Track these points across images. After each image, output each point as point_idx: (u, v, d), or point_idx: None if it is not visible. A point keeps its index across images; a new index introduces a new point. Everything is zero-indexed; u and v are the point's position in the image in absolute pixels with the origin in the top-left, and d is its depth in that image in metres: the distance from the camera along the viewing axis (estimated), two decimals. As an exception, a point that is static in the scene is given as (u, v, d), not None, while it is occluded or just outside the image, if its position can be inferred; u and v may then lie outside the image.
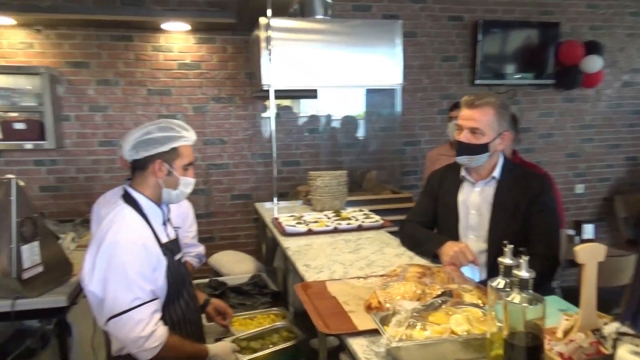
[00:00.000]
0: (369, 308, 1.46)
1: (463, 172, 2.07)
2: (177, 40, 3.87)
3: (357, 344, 1.30)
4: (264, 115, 4.08)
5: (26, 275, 2.10)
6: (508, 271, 1.10)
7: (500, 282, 1.13)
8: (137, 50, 3.81)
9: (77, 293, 2.39)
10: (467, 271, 1.91)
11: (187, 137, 1.72)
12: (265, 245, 3.36)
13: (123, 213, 1.65)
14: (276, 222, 2.64)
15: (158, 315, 1.62)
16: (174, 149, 1.69)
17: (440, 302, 1.31)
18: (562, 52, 4.47)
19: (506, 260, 1.12)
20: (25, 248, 2.10)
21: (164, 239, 1.72)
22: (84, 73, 3.73)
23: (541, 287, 1.84)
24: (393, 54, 3.48)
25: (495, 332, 1.10)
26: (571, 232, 4.04)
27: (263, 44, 3.21)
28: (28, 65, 3.58)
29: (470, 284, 1.62)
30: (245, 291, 2.61)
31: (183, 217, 2.52)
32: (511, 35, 4.44)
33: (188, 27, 3.76)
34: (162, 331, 1.60)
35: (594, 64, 4.42)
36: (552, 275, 1.91)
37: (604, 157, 4.87)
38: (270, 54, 3.14)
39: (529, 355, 1.02)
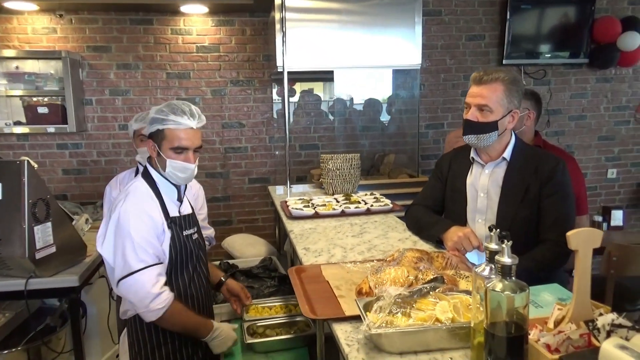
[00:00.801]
0: (359, 293, 1.42)
1: (473, 154, 1.97)
2: (196, 23, 3.86)
3: (341, 330, 1.27)
4: (280, 98, 4.04)
5: (39, 255, 2.16)
6: (494, 257, 1.03)
7: (485, 268, 1.06)
8: (156, 34, 3.83)
9: (91, 274, 2.45)
10: (473, 257, 1.84)
11: (176, 121, 1.71)
12: (278, 229, 3.35)
13: (135, 185, 1.77)
14: (284, 205, 2.61)
15: (163, 279, 1.70)
16: (160, 131, 1.72)
17: (428, 288, 1.25)
18: (597, 29, 4.21)
19: (492, 245, 1.05)
20: (37, 229, 2.15)
21: (174, 214, 1.79)
22: (104, 57, 3.78)
23: (552, 274, 1.77)
24: (412, 34, 3.37)
25: (479, 320, 1.03)
26: (598, 218, 3.83)
27: (278, 25, 3.16)
28: (50, 50, 3.66)
29: (471, 270, 1.55)
30: (254, 274, 2.60)
31: (194, 199, 2.53)
32: (543, 11, 4.21)
33: (206, 9, 3.74)
34: (167, 295, 1.68)
35: (632, 41, 4.14)
36: (563, 263, 1.80)
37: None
38: (284, 35, 3.09)
39: (510, 346, 0.96)
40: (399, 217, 2.41)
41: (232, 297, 2.15)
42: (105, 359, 2.83)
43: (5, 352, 2.42)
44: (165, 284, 1.71)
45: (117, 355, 2.54)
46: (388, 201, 2.59)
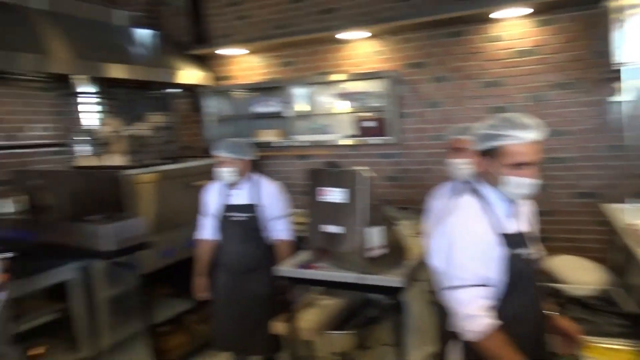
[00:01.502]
0: None
1: None
2: (509, 27, 3.67)
3: None
4: (615, 100, 3.41)
5: (371, 254, 2.42)
6: None
7: None
8: (467, 44, 3.81)
9: (412, 276, 2.58)
10: None
11: (517, 135, 1.60)
12: (614, 255, 2.82)
13: (464, 200, 1.74)
14: (632, 229, 2.15)
15: (482, 302, 1.62)
16: (497, 147, 1.64)
17: None
18: None
19: None
20: (372, 231, 2.41)
21: (507, 231, 1.69)
22: (420, 72, 3.99)
23: None
24: None
25: None
26: None
27: (613, 15, 2.67)
28: (374, 70, 4.10)
29: None
30: (590, 306, 2.23)
31: (529, 216, 2.36)
32: None
33: (528, 10, 3.46)
34: (484, 320, 1.59)
35: None
36: None
37: None
38: (622, 25, 2.58)
39: None
40: None
41: (561, 335, 1.88)
42: (419, 358, 2.92)
43: (340, 332, 2.80)
44: (489, 308, 1.61)
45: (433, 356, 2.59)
46: None
